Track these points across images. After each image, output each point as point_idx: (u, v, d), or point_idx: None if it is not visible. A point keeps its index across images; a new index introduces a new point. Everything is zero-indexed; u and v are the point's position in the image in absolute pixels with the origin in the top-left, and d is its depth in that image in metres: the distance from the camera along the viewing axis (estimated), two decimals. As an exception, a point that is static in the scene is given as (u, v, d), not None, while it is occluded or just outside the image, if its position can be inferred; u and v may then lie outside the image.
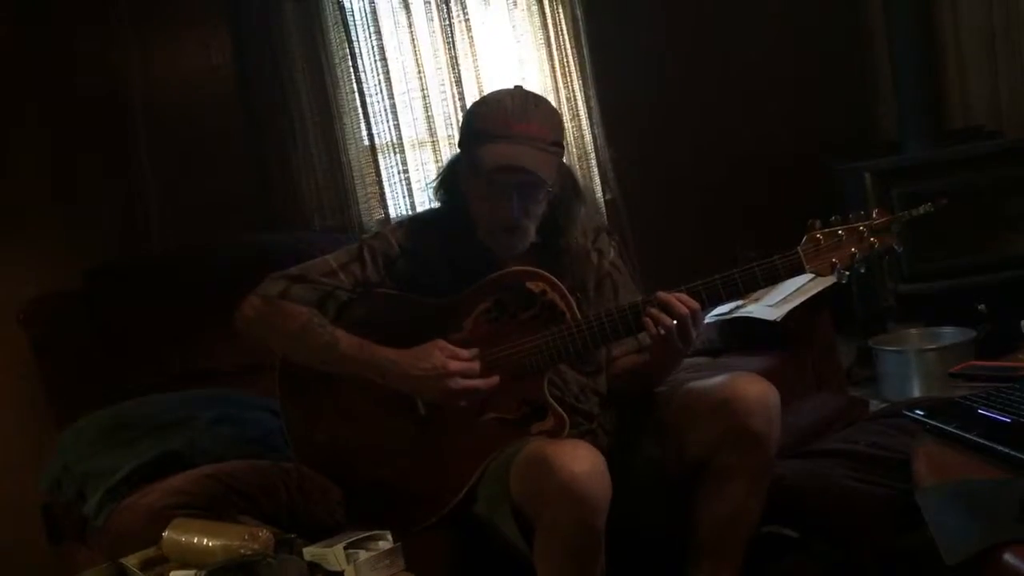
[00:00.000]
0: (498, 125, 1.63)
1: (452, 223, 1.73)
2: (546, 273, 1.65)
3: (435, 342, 1.60)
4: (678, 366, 1.76)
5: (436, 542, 1.63)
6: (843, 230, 1.57)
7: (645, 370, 1.75)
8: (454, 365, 1.57)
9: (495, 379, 1.60)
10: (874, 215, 1.59)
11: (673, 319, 1.54)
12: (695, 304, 1.56)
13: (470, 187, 1.69)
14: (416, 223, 1.81)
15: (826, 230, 1.58)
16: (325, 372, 1.66)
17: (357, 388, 1.65)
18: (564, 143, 1.74)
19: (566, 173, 1.76)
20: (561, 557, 1.46)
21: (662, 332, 1.55)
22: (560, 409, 1.62)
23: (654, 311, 1.56)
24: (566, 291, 1.64)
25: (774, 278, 1.58)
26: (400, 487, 1.65)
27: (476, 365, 1.59)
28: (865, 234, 1.57)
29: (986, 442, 1.30)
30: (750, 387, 1.59)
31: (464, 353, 1.60)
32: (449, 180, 1.74)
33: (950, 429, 1.39)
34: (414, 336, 1.63)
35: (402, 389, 1.61)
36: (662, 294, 1.57)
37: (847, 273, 1.58)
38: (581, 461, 1.43)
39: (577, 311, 1.63)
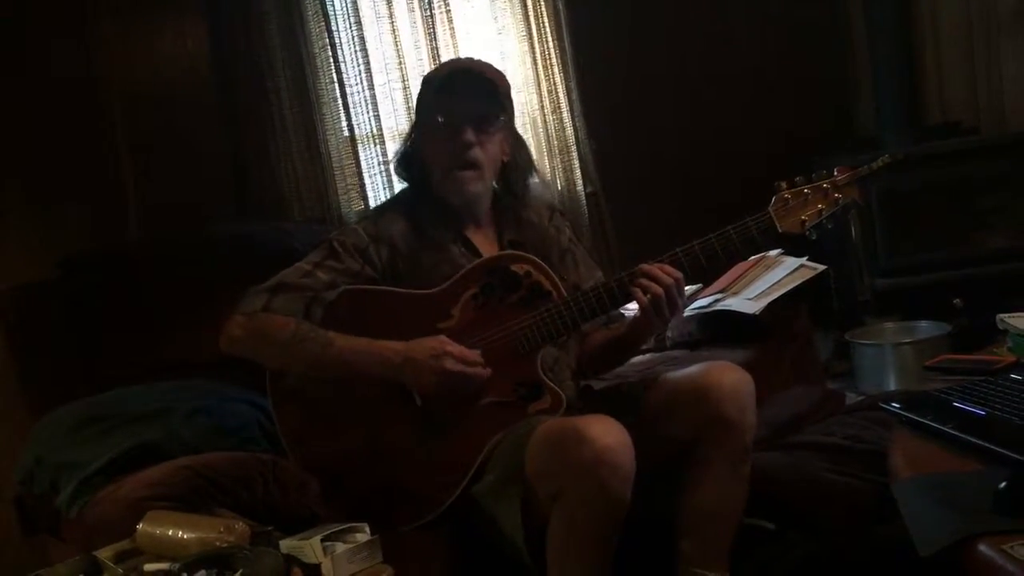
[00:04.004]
0: (446, 65, 1.85)
1: (414, 199, 1.79)
2: (529, 255, 1.69)
3: (436, 336, 1.61)
4: (652, 337, 1.81)
5: (430, 539, 1.61)
6: (808, 188, 1.65)
7: (620, 342, 1.80)
8: (451, 347, 1.58)
9: (487, 371, 1.60)
10: (836, 172, 1.67)
11: (660, 287, 1.59)
12: (678, 273, 1.62)
13: (426, 138, 1.75)
14: (380, 211, 1.84)
15: (793, 189, 1.65)
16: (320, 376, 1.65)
17: (353, 385, 1.64)
18: (511, 96, 1.80)
19: (519, 143, 1.83)
20: (586, 528, 1.46)
21: (651, 300, 1.59)
22: (555, 387, 1.64)
23: (642, 281, 1.60)
24: (549, 270, 1.67)
25: (749, 239, 1.64)
26: (402, 483, 1.63)
27: (476, 355, 1.60)
28: (830, 191, 1.65)
29: (961, 435, 1.31)
30: (723, 375, 1.61)
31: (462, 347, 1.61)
32: (408, 156, 1.80)
33: (926, 422, 1.40)
34: (404, 329, 1.63)
35: (401, 379, 1.60)
36: (645, 266, 1.62)
37: (815, 231, 1.66)
38: (612, 432, 1.45)
39: (562, 289, 1.66)
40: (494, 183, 1.80)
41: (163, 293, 2.24)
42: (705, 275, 2.59)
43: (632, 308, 1.69)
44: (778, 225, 1.64)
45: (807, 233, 1.66)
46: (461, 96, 1.70)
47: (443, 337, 1.61)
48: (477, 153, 1.70)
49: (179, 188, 2.60)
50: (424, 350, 1.58)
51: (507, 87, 1.77)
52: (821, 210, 1.64)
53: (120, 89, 2.54)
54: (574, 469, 1.43)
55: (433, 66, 2.87)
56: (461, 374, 1.58)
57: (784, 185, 1.65)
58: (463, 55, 2.93)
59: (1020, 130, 3.32)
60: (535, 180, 1.87)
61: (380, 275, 1.71)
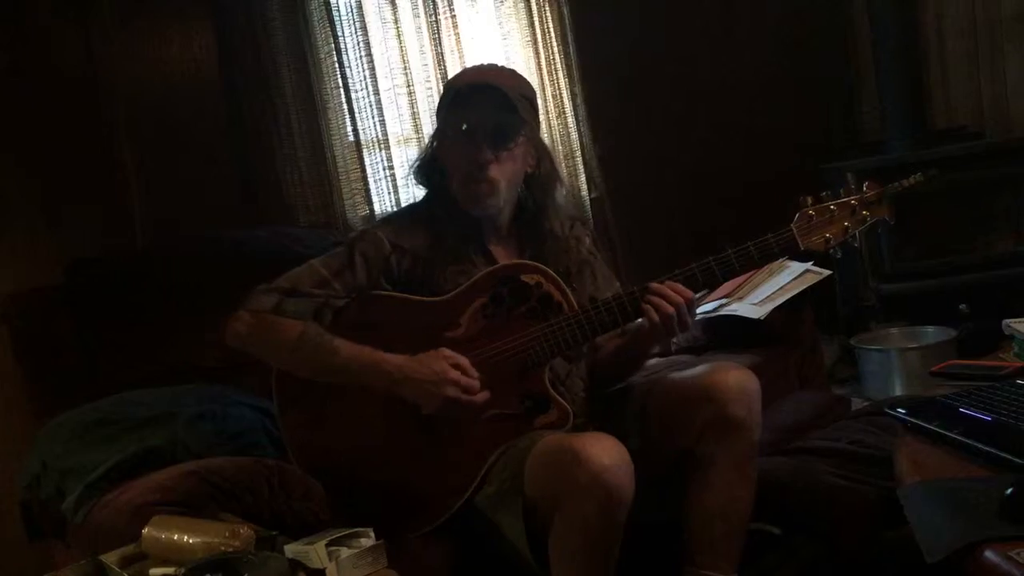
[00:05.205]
0: (467, 74, 1.79)
1: (436, 208, 1.75)
2: (540, 265, 1.66)
3: (440, 350, 1.59)
4: (657, 348, 1.82)
5: (436, 545, 1.61)
6: (835, 205, 1.59)
7: (631, 352, 1.78)
8: (452, 374, 1.56)
9: (486, 394, 1.59)
10: (865, 188, 1.60)
11: (671, 306, 1.57)
12: (689, 293, 1.59)
13: (445, 148, 1.71)
14: (402, 218, 1.81)
15: (818, 206, 1.59)
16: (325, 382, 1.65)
17: (358, 392, 1.63)
18: (536, 105, 1.76)
19: (544, 153, 1.78)
20: (583, 549, 1.45)
21: (661, 319, 1.57)
22: (562, 401, 1.62)
23: (654, 299, 1.58)
24: (561, 282, 1.65)
25: (769, 256, 1.60)
26: (405, 490, 1.62)
27: (475, 382, 1.58)
28: (857, 207, 1.59)
29: (967, 440, 1.31)
30: (728, 375, 1.60)
31: (466, 363, 1.58)
32: (428, 162, 1.76)
33: (931, 427, 1.40)
34: (411, 336, 1.62)
35: (401, 393, 1.60)
36: (656, 284, 1.59)
37: (840, 248, 1.60)
38: (610, 453, 1.42)
39: (574, 301, 1.64)
40: (520, 191, 1.75)
41: (168, 298, 2.24)
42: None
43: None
44: (800, 243, 1.58)
45: (831, 252, 1.60)
46: (479, 111, 1.65)
47: (447, 353, 1.58)
48: (493, 171, 1.66)
49: (185, 193, 2.60)
50: (425, 372, 1.57)
51: (531, 95, 1.73)
52: (847, 228, 1.58)
53: (126, 94, 2.55)
54: (568, 488, 1.42)
55: (438, 72, 2.88)
56: (458, 401, 1.57)
57: (809, 200, 1.59)
58: (468, 61, 2.93)
59: (1025, 134, 3.33)
60: (561, 190, 1.82)
61: (394, 285, 1.69)
